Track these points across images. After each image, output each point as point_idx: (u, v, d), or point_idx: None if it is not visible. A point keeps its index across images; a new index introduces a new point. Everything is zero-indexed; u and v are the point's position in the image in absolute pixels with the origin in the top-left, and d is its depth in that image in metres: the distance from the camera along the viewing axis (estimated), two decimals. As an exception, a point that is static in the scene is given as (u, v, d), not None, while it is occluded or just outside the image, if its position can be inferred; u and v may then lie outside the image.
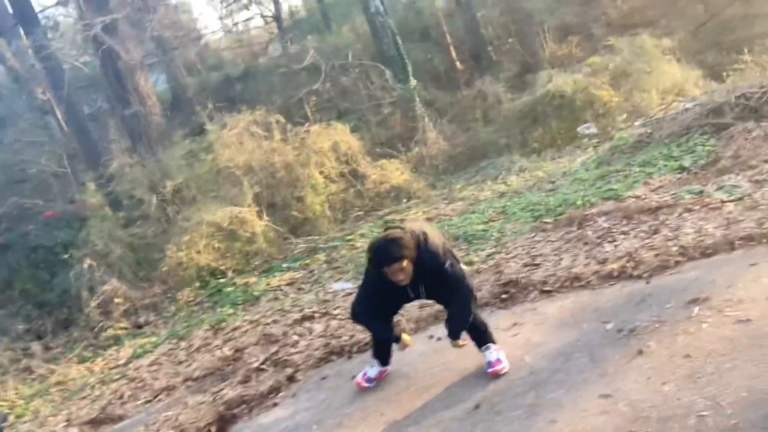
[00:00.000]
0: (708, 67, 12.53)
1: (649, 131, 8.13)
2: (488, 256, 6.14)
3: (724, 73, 11.62)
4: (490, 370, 4.05)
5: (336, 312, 6.04)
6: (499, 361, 4.07)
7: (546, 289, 5.08)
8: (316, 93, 11.90)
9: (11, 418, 5.96)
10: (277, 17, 20.30)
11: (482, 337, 4.20)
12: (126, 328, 7.68)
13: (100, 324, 7.80)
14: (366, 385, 4.40)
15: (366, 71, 12.59)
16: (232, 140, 9.03)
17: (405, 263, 3.84)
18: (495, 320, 4.85)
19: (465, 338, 4.19)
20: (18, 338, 7.87)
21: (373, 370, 4.45)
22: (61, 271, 8.79)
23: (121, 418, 5.39)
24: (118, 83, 10.52)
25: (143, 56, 11.56)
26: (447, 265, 3.95)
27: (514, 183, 8.85)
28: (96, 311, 7.89)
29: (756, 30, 14.89)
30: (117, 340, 7.42)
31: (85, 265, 8.43)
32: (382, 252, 3.90)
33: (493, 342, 4.18)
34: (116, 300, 8.01)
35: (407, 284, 3.99)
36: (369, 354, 5.02)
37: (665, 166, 6.86)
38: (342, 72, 12.66)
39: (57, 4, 13.45)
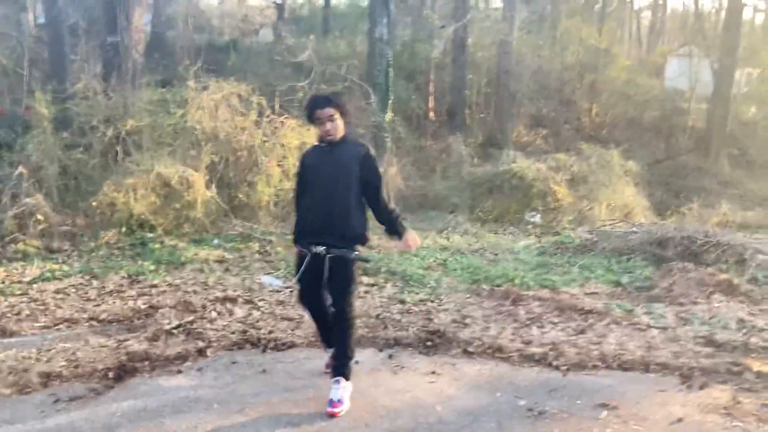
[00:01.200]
0: (655, 201, 13.30)
1: (594, 239, 8.54)
2: (421, 300, 6.26)
3: (668, 212, 12.38)
4: (329, 409, 4.06)
5: (260, 303, 6.01)
6: (340, 402, 4.08)
7: (469, 349, 5.21)
8: (301, 90, 11.90)
9: None
10: (280, 5, 20.30)
11: (340, 367, 4.20)
12: (38, 248, 7.36)
13: (12, 235, 7.45)
14: (328, 370, 4.40)
15: (352, 88, 12.71)
16: (209, 104, 8.91)
17: (335, 114, 4.02)
18: (414, 362, 4.96)
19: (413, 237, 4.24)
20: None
21: (326, 356, 4.50)
22: (-11, 169, 8.36)
23: (12, 334, 5.15)
24: (110, 9, 10.23)
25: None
26: (373, 156, 4.16)
27: (457, 242, 9.07)
28: (12, 221, 7.54)
29: (704, 183, 15.99)
30: (26, 257, 7.10)
31: (16, 171, 8.08)
32: (316, 97, 4.20)
33: (347, 378, 4.18)
34: (37, 216, 7.68)
35: (331, 140, 4.06)
36: (284, 354, 5.05)
37: (603, 276, 7.21)
38: (329, 80, 12.73)
39: None
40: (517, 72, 17.79)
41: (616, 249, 7.99)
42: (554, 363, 5.03)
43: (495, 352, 5.20)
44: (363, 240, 4.18)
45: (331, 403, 4.08)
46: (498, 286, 6.74)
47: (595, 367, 5.02)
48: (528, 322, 5.79)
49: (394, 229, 4.18)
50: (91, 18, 13.75)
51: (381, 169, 4.25)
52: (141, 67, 10.69)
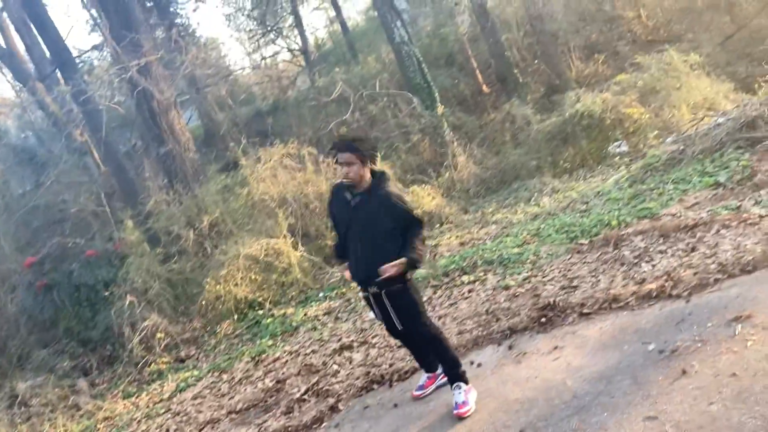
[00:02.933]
0: (739, 80, 12.42)
1: (681, 147, 8.06)
2: (524, 279, 6.12)
3: (756, 85, 11.51)
4: (455, 411, 4.16)
5: (374, 340, 6.08)
6: (465, 403, 4.15)
7: (585, 311, 5.05)
8: (346, 123, 12.06)
9: (61, 455, 6.08)
10: (304, 50, 20.69)
11: (452, 375, 4.27)
12: (168, 363, 7.81)
13: (143, 359, 7.94)
14: (417, 393, 4.57)
15: (393, 100, 12.74)
16: (266, 173, 9.19)
17: (354, 159, 4.01)
18: (534, 344, 4.85)
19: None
20: (64, 376, 8.04)
21: (421, 378, 4.63)
22: (103, 308, 8.97)
23: (167, 453, 5.47)
24: (152, 122, 10.79)
25: (176, 95, 11.85)
26: (396, 198, 4.09)
27: (547, 205, 8.83)
28: (138, 347, 8.04)
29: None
30: (160, 375, 7.54)
31: (126, 302, 8.61)
32: (338, 140, 4.22)
33: (465, 382, 4.26)
34: (158, 335, 8.16)
35: (352, 186, 4.09)
36: (410, 382, 5.07)
37: (700, 182, 6.80)
38: (370, 101, 12.82)
39: (92, 48, 13.89)
40: (549, 11, 17.20)
41: (706, 149, 7.50)
42: (674, 293, 4.78)
43: (611, 303, 5.01)
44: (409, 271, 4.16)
45: (456, 405, 4.18)
46: (596, 235, 6.49)
47: (717, 281, 4.73)
48: (636, 261, 5.54)
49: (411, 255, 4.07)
50: (143, 134, 14.54)
51: (410, 203, 4.23)
52: (197, 163, 11.17)
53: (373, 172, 4.14)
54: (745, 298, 4.35)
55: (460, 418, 4.13)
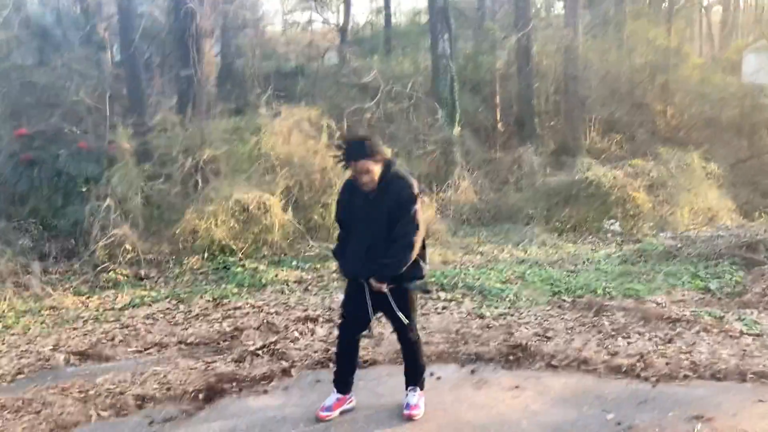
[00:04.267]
0: (740, 203, 12.74)
1: (678, 245, 8.24)
2: (501, 314, 6.19)
3: (756, 213, 11.83)
4: (405, 411, 4.22)
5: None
6: (417, 406, 4.23)
7: (553, 363, 5.12)
8: (368, 110, 12.06)
9: (0, 326, 5.95)
10: (342, 28, 20.66)
11: (414, 378, 4.32)
12: (127, 276, 7.70)
13: (103, 264, 7.81)
14: (323, 414, 4.29)
15: (418, 105, 12.79)
16: (282, 130, 9.14)
17: (372, 166, 3.87)
18: (497, 377, 4.91)
19: (386, 287, 4.03)
20: (20, 253, 7.87)
21: (330, 398, 4.38)
22: (77, 202, 8.82)
23: (108, 359, 5.40)
24: (186, 43, 10.67)
25: (216, 24, 11.75)
26: (410, 196, 3.95)
27: (534, 254, 8.94)
28: (102, 251, 7.91)
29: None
30: (116, 285, 7.44)
31: (104, 204, 8.47)
32: (351, 146, 3.98)
33: (421, 388, 4.33)
34: (124, 245, 8.04)
35: (369, 192, 3.97)
36: (366, 371, 5.08)
37: (690, 282, 6.95)
38: (395, 99, 12.86)
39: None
40: (585, 77, 17.47)
41: (702, 254, 7.68)
42: (642, 374, 4.87)
43: (580, 364, 5.09)
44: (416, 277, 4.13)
45: (408, 406, 4.23)
46: (580, 297, 6.60)
47: (686, 377, 4.83)
48: (613, 333, 5.63)
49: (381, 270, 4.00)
50: (164, 52, 14.34)
51: (415, 211, 4.01)
52: (214, 97, 11.08)
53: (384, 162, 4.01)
54: (710, 402, 4.45)
55: (410, 419, 4.18)
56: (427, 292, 4.63)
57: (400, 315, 4.09)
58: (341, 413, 4.34)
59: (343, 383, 4.39)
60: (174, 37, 11.60)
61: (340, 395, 4.38)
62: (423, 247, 4.11)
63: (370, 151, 3.89)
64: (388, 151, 4.20)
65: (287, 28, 26.96)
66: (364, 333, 4.30)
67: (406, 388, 4.31)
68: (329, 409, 4.31)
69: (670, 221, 10.68)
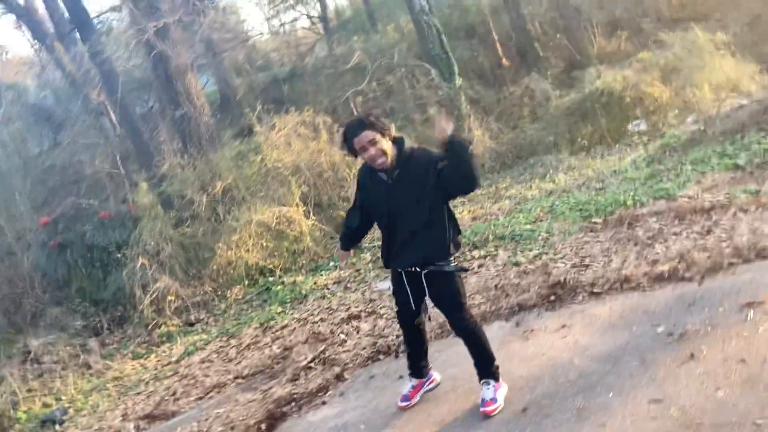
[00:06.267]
0: (765, 62, 12.14)
1: (702, 128, 7.92)
2: (536, 256, 6.08)
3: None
4: (482, 409, 3.84)
5: (382, 311, 6.09)
6: (493, 400, 3.84)
7: (595, 290, 5.02)
8: (362, 93, 11.95)
9: (71, 411, 6.17)
10: (323, 18, 20.50)
11: (485, 370, 3.95)
12: (178, 326, 7.87)
13: (153, 321, 8.00)
14: (403, 404, 4.21)
15: (411, 70, 12.60)
16: (280, 141, 9.16)
17: (374, 136, 3.64)
18: (542, 321, 4.84)
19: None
20: (76, 335, 8.14)
21: (406, 386, 4.29)
22: (115, 269, 9.02)
23: (174, 414, 5.53)
24: (168, 85, 10.76)
25: (193, 58, 11.79)
26: (438, 156, 3.67)
27: (562, 181, 8.74)
28: (149, 309, 8.09)
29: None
30: (169, 337, 7.61)
31: (138, 264, 8.65)
32: (348, 126, 3.79)
33: (495, 379, 3.93)
34: (168, 298, 8.21)
35: (389, 175, 3.75)
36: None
37: (719, 164, 6.69)
38: (388, 71, 12.69)
39: (111, 9, 13.82)
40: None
41: (727, 131, 7.37)
42: (686, 275, 4.74)
43: (622, 284, 4.98)
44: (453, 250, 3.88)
45: (483, 402, 3.86)
46: (611, 214, 6.42)
47: (731, 265, 4.68)
48: (649, 242, 5.48)
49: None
50: (160, 97, 14.50)
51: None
52: (213, 128, 11.15)
53: (394, 141, 3.77)
54: (759, 283, 4.30)
55: (487, 416, 3.79)
56: (465, 270, 4.33)
57: (438, 307, 3.94)
58: (423, 394, 4.26)
59: (415, 369, 4.26)
60: (158, 82, 11.71)
61: (415, 381, 4.27)
62: (453, 218, 3.88)
63: (368, 123, 3.67)
64: (392, 126, 3.88)
65: (274, 35, 26.94)
66: (418, 320, 4.09)
67: (479, 381, 3.96)
68: (406, 398, 4.23)
69: (694, 104, 10.25)
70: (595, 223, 6.30)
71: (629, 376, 3.79)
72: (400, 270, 3.96)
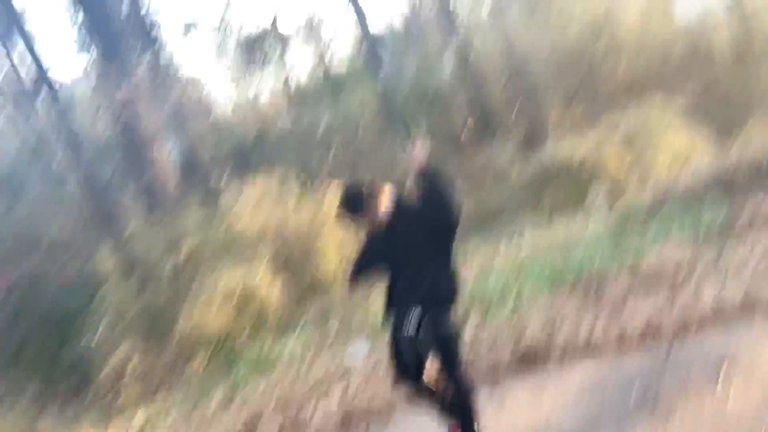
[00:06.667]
0: (714, 131, 12.65)
1: (661, 197, 8.21)
2: (505, 320, 6.12)
3: (731, 137, 11.78)
4: None
5: (354, 375, 6.00)
6: None
7: (567, 354, 5.06)
8: (329, 160, 12.11)
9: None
10: (286, 90, 20.87)
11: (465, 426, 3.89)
12: (139, 394, 7.62)
13: (113, 389, 7.73)
14: None
15: (379, 134, 12.85)
16: (248, 206, 9.16)
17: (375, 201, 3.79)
18: (516, 389, 4.83)
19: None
20: (31, 404, 7.79)
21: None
22: (75, 336, 8.76)
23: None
24: (135, 151, 10.75)
25: (160, 125, 11.85)
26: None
27: (528, 246, 8.87)
28: (109, 377, 7.84)
29: (759, 93, 15.14)
30: (131, 406, 7.35)
31: (99, 330, 8.43)
32: (350, 203, 3.91)
33: None
34: (129, 365, 7.97)
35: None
36: (388, 415, 5.01)
37: (679, 231, 6.90)
38: (354, 138, 12.92)
39: (76, 76, 13.88)
40: (530, 60, 17.59)
41: (686, 198, 7.65)
42: (655, 339, 4.82)
43: (593, 348, 5.03)
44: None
45: None
46: (579, 278, 6.53)
47: (699, 328, 4.78)
48: (618, 305, 5.57)
49: None
50: (123, 164, 14.42)
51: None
52: (177, 194, 11.11)
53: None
54: (728, 344, 4.40)
55: None
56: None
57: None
58: None
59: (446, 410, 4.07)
60: (124, 147, 11.69)
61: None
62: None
63: (365, 198, 3.84)
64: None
65: (237, 105, 27.24)
66: None
67: None
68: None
69: (650, 174, 10.64)
70: (564, 286, 6.39)
71: (608, 440, 3.81)
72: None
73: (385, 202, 3.84)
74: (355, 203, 3.89)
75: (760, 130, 10.18)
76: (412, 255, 3.85)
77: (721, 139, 11.20)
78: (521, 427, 4.26)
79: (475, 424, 3.92)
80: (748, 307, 4.73)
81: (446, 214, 3.80)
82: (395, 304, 3.95)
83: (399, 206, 3.88)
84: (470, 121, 16.73)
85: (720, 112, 13.64)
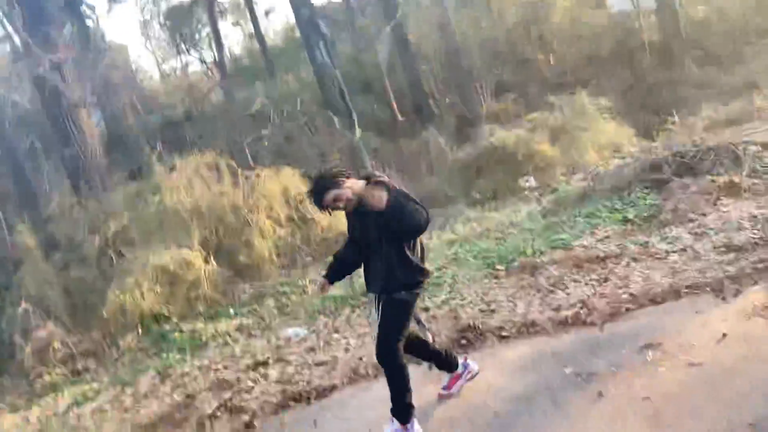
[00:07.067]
0: (639, 126, 13.22)
1: (591, 184, 8.49)
2: (443, 302, 6.21)
3: (654, 133, 12.31)
4: None
5: (291, 357, 5.96)
6: None
7: (503, 334, 5.18)
8: (263, 138, 11.92)
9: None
10: (219, 63, 20.40)
11: (394, 408, 4.07)
12: (64, 375, 7.33)
13: (35, 371, 7.43)
14: (443, 392, 4.47)
15: (313, 118, 12.73)
16: (181, 182, 8.92)
17: (338, 192, 3.77)
18: (455, 365, 4.91)
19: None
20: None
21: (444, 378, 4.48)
22: (-7, 315, 8.38)
23: (63, 469, 5.13)
24: (59, 122, 10.28)
25: (86, 96, 11.36)
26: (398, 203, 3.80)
27: (462, 232, 9.00)
28: (31, 357, 7.52)
29: (679, 94, 15.89)
30: (54, 388, 7.05)
31: (20, 309, 8.07)
32: (313, 192, 3.89)
33: (401, 421, 4.04)
34: (52, 345, 7.66)
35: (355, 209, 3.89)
36: (330, 399, 5.01)
37: (609, 217, 7.16)
38: (289, 119, 12.76)
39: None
40: (465, 49, 17.79)
41: (614, 187, 7.93)
42: (588, 320, 5.01)
43: (528, 328, 5.18)
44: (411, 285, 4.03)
45: None
46: (512, 262, 6.69)
47: (628, 310, 5.00)
48: (551, 288, 5.75)
49: None
50: (44, 135, 13.79)
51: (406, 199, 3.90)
52: (105, 168, 10.71)
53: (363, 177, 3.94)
54: (655, 327, 4.61)
55: None
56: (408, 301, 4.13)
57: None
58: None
59: (444, 365, 4.44)
60: (48, 118, 11.15)
61: (451, 374, 4.46)
62: (422, 249, 4.08)
63: (328, 184, 3.80)
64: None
65: (166, 78, 26.44)
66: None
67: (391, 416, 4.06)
68: (445, 388, 4.44)
69: (580, 163, 10.98)
70: (499, 270, 6.53)
71: (543, 415, 3.94)
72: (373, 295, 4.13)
73: (347, 203, 3.83)
74: (319, 207, 3.91)
75: (687, 122, 10.64)
76: (374, 244, 3.95)
77: (648, 130, 11.65)
78: (460, 402, 4.35)
79: (406, 406, 4.06)
80: (674, 292, 4.96)
81: (415, 232, 3.93)
82: (368, 286, 4.19)
83: (361, 204, 3.85)
84: (402, 116, 16.79)
85: (648, 103, 14.20)
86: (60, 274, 8.98)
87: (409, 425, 4.03)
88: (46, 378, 7.31)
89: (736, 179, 6.72)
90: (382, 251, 3.93)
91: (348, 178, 3.85)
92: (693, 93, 15.43)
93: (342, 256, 4.31)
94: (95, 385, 6.80)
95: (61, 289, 8.79)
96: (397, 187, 3.91)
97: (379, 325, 4.06)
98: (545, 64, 19.70)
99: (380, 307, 4.04)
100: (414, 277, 4.00)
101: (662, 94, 16.30)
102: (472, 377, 4.47)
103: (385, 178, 3.97)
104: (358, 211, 3.92)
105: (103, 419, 5.83)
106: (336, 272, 4.34)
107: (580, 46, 19.32)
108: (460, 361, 4.48)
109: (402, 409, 4.04)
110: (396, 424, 4.03)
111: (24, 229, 9.73)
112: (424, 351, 4.42)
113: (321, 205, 3.87)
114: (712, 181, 6.83)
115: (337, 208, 3.91)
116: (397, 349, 4.03)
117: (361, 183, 3.87)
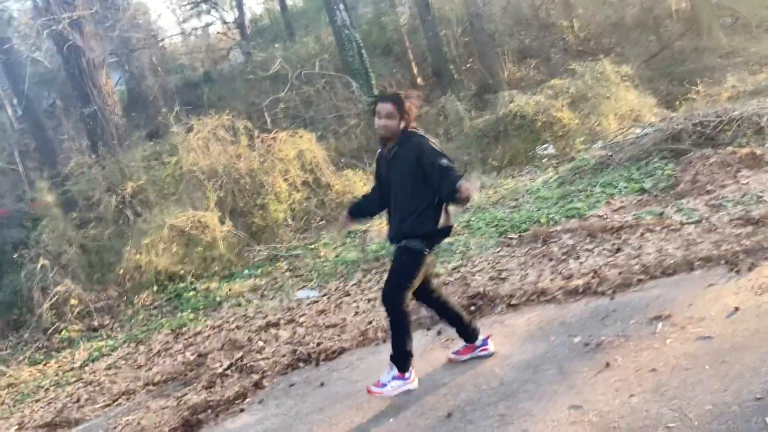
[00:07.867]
0: (661, 96, 13.00)
1: (609, 154, 8.37)
2: (454, 269, 6.22)
3: (677, 102, 12.09)
4: (369, 385, 4.14)
5: (302, 319, 6.03)
6: (383, 385, 4.09)
7: (513, 302, 5.18)
8: (281, 101, 11.86)
9: (-41, 420, 5.74)
10: (239, 24, 20.24)
11: (394, 355, 4.13)
12: (80, 331, 7.51)
13: (53, 326, 7.59)
14: (452, 356, 4.52)
15: (332, 82, 12.64)
16: (198, 144, 8.94)
17: (392, 110, 3.95)
18: (463, 330, 4.93)
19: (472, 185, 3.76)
20: (-36, 338, 7.60)
21: (460, 343, 4.51)
22: (12, 271, 8.52)
23: (77, 422, 5.26)
24: (79, 81, 10.29)
25: (106, 55, 11.36)
26: (433, 148, 3.98)
27: (477, 199, 8.97)
28: (49, 312, 7.69)
29: (705, 63, 15.55)
30: (71, 343, 7.23)
31: (38, 266, 8.21)
32: (383, 93, 4.11)
33: (399, 369, 4.10)
34: (70, 302, 7.82)
35: (387, 139, 4.08)
36: (337, 362, 5.06)
37: (626, 187, 7.08)
38: (307, 82, 12.67)
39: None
40: (487, 12, 17.49)
41: (633, 156, 7.82)
42: (599, 289, 4.96)
43: (538, 296, 5.16)
44: (429, 236, 4.07)
45: (376, 383, 4.13)
46: (525, 230, 6.66)
47: (639, 281, 4.94)
48: (563, 257, 5.71)
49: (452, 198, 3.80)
50: (65, 94, 13.84)
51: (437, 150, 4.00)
52: (123, 127, 10.75)
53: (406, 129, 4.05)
54: (666, 298, 4.56)
55: (368, 392, 4.09)
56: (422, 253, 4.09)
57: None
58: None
59: (464, 334, 4.43)
60: (67, 76, 11.18)
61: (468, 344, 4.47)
62: (439, 202, 4.04)
63: (398, 100, 3.99)
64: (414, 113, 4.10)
65: (186, 38, 26.29)
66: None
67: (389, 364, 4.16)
68: (456, 353, 4.49)
69: (599, 131, 10.82)
70: (511, 238, 6.51)
71: (548, 383, 3.93)
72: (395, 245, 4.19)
73: (383, 125, 4.02)
74: (374, 104, 4.15)
75: (711, 91, 10.42)
76: (398, 190, 4.07)
77: (671, 99, 11.44)
78: (466, 367, 4.36)
79: (406, 355, 4.13)
80: (687, 264, 4.90)
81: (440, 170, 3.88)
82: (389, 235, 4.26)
83: (404, 141, 4.02)
84: (421, 80, 16.59)
85: (672, 72, 13.92)
86: (78, 232, 9.08)
87: (407, 374, 4.13)
88: (63, 333, 7.46)
89: (758, 151, 6.58)
90: (406, 198, 4.01)
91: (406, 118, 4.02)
92: (719, 62, 15.10)
93: (367, 197, 4.52)
94: (110, 342, 6.95)
95: (78, 246, 8.90)
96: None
97: (390, 270, 4.18)
98: (569, 29, 19.36)
99: (395, 253, 4.12)
100: (433, 228, 4.05)
101: (687, 63, 15.95)
102: (485, 355, 4.45)
103: (421, 131, 4.15)
104: (388, 157, 4.09)
105: (117, 375, 5.95)
106: (359, 209, 4.53)
107: (605, 12, 18.94)
108: (482, 336, 4.48)
109: (401, 356, 4.12)
110: (395, 370, 4.12)
111: (42, 187, 9.83)
112: (451, 315, 4.44)
113: (377, 103, 4.06)
114: (733, 152, 6.69)
115: (376, 123, 4.06)
116: (404, 296, 4.09)
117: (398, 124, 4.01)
